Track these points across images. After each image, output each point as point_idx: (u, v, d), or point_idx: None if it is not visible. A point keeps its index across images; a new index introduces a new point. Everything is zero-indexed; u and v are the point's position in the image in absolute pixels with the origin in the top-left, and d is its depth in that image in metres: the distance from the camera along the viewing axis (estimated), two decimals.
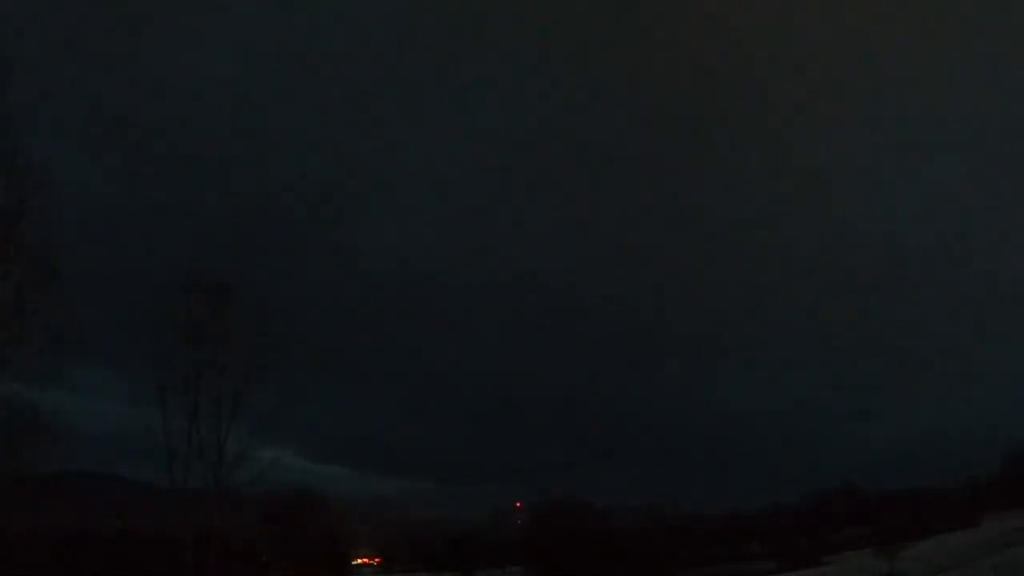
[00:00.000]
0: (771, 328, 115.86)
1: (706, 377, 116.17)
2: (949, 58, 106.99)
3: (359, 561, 75.16)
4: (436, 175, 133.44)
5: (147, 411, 26.77)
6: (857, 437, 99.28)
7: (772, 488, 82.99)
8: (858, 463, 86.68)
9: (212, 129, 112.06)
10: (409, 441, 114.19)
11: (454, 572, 63.60)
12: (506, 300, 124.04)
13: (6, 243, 20.29)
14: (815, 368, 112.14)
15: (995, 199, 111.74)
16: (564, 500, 62.33)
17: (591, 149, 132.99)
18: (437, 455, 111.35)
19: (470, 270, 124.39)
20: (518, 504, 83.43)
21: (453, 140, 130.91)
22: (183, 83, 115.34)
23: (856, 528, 61.51)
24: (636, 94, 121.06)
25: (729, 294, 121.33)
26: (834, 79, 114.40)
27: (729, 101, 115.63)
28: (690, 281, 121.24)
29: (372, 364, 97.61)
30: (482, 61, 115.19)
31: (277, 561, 50.15)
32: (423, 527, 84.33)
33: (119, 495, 59.24)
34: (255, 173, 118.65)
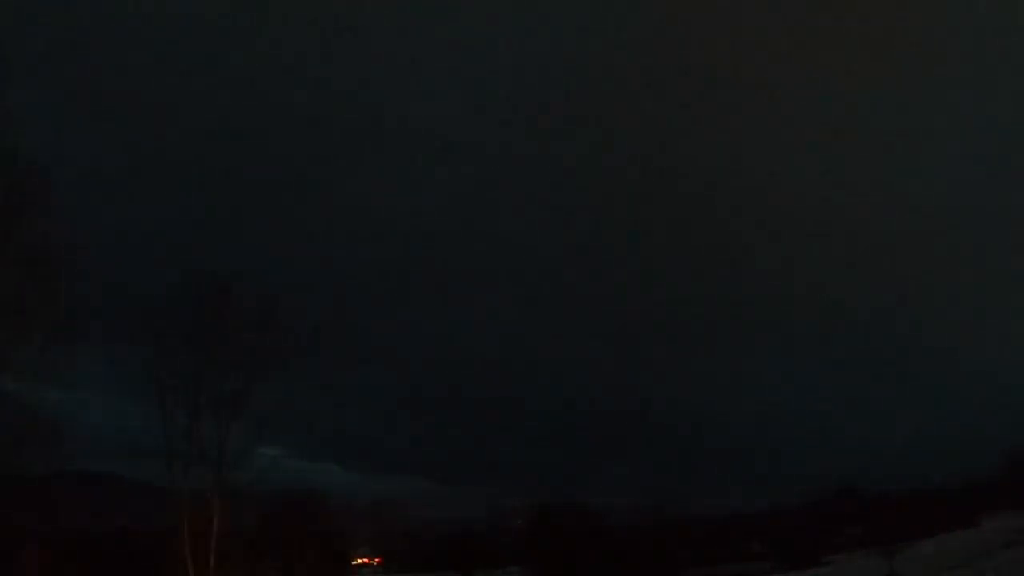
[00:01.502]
0: (771, 327, 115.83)
1: (706, 377, 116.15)
2: None
3: (359, 561, 75.16)
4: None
5: (147, 411, 26.85)
6: (857, 437, 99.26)
7: (772, 488, 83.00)
8: (858, 463, 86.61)
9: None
10: (409, 441, 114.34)
11: (454, 572, 63.62)
12: (506, 299, 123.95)
13: (6, 243, 20.29)
14: (816, 367, 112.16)
15: (1002, 197, 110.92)
16: (564, 500, 62.42)
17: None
18: (437, 455, 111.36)
19: (468, 261, 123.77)
20: (518, 504, 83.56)
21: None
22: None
23: (856, 528, 61.54)
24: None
25: (730, 292, 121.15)
26: None
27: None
28: (691, 279, 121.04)
29: (373, 364, 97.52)
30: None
31: (277, 561, 50.10)
32: (423, 527, 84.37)
33: (119, 495, 59.25)
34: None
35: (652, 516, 62.14)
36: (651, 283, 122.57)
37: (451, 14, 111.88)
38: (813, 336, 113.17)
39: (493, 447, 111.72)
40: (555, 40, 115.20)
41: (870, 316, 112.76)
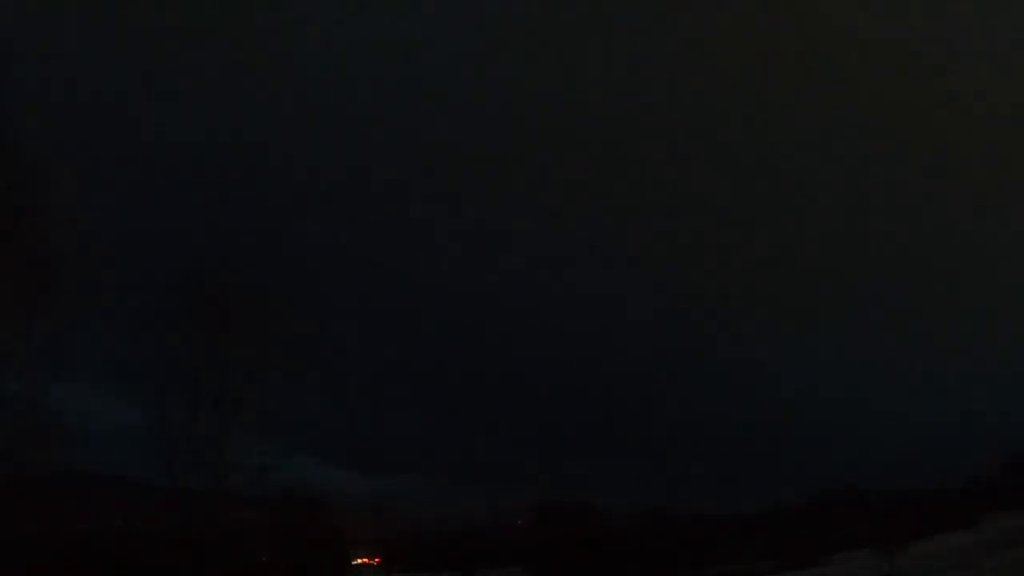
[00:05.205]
0: (771, 327, 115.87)
1: (706, 376, 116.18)
2: None
3: (359, 561, 75.16)
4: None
5: (147, 411, 26.87)
6: (857, 437, 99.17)
7: (772, 488, 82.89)
8: (858, 463, 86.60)
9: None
10: (409, 440, 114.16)
11: (454, 572, 63.62)
12: (504, 301, 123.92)
13: (6, 243, 20.28)
14: (815, 367, 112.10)
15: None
16: (564, 500, 62.36)
17: None
18: (437, 455, 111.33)
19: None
20: (518, 504, 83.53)
21: None
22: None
23: (856, 528, 61.52)
24: None
25: (729, 290, 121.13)
26: None
27: None
28: (691, 275, 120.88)
29: (373, 362, 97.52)
30: None
31: (277, 561, 50.14)
32: (423, 527, 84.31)
33: (119, 495, 59.18)
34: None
35: (652, 516, 62.15)
36: (650, 283, 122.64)
37: None
38: (812, 336, 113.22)
39: (493, 447, 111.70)
40: None
41: (870, 315, 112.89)
